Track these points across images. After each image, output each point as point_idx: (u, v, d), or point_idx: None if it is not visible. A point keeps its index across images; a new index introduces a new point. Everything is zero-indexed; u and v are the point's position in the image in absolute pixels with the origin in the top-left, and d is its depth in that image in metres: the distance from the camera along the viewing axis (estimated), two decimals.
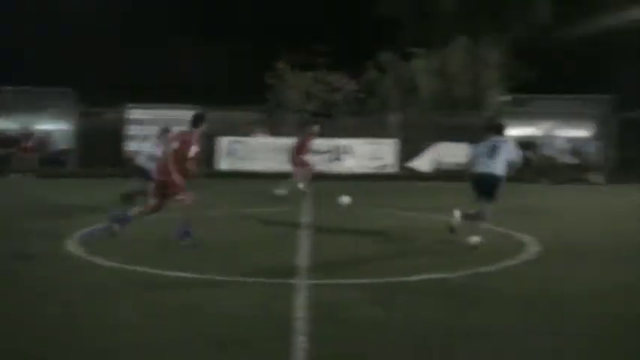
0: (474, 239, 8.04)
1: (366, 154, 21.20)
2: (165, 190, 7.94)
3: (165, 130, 10.78)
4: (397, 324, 4.78)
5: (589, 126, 22.24)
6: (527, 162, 20.36)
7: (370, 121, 22.13)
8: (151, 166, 9.74)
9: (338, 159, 21.04)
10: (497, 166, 8.19)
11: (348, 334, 4.50)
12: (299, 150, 14.19)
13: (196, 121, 8.13)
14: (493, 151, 8.30)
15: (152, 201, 8.19)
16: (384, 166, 20.99)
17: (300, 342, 4.19)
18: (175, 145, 7.95)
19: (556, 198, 15.55)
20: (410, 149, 21.30)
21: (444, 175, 20.16)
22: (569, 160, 21.65)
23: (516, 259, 7.31)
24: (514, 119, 21.65)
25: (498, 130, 8.62)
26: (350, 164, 21.14)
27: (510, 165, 8.33)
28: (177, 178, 7.79)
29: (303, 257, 7.14)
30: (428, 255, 7.70)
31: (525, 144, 20.91)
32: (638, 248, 8.39)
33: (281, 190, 13.66)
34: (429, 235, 9.03)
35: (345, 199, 11.99)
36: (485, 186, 8.25)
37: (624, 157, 21.38)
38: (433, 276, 6.31)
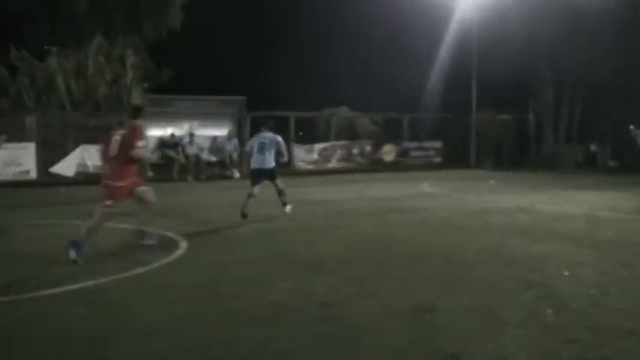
0: (288, 207, 11.15)
1: (2, 159, 19.31)
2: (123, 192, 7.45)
3: None
4: (42, 339, 4.59)
5: (226, 125, 23.65)
6: (170, 161, 21.04)
7: (4, 124, 20.23)
8: None
9: None
10: (268, 159, 10.92)
11: None
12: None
13: (137, 113, 7.80)
14: (262, 148, 10.91)
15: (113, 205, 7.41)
16: (26, 172, 19.43)
17: None
18: (122, 141, 7.36)
19: (201, 194, 16.25)
20: (51, 153, 20.10)
21: (89, 178, 19.48)
22: (210, 157, 22.76)
23: (169, 257, 7.52)
24: (155, 119, 21.99)
25: (268, 126, 11.31)
26: None
27: (279, 154, 11.22)
28: (123, 181, 7.38)
29: None
30: (78, 263, 7.38)
31: (169, 144, 21.48)
32: (273, 230, 9.35)
33: None
34: None
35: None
36: (264, 176, 10.96)
37: None
38: (83, 284, 6.14)
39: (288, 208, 11.19)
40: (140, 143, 7.43)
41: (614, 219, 10.89)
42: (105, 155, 7.78)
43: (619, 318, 5.01)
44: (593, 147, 25.23)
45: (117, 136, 7.48)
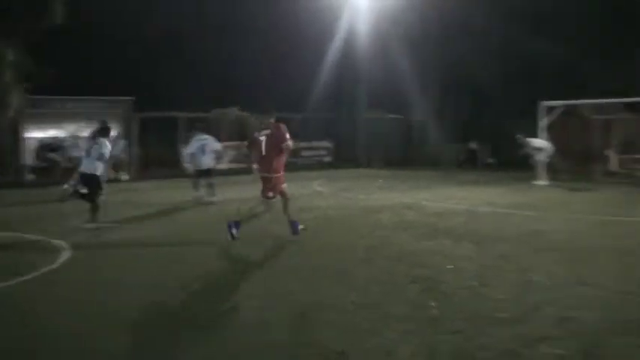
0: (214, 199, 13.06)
1: None
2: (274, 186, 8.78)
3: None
4: None
5: (114, 126, 22.85)
6: (53, 164, 20.13)
7: None
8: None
9: None
10: (207, 160, 13.09)
11: None
12: None
13: (272, 112, 9.03)
14: (203, 149, 13.01)
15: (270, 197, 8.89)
16: None
17: None
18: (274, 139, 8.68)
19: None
20: None
21: None
22: None
23: (52, 265, 7.23)
24: (36, 121, 21.01)
25: (200, 128, 13.78)
26: None
27: (217, 154, 13.49)
28: (280, 172, 8.97)
29: None
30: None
31: (52, 146, 20.55)
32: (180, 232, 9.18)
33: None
34: None
35: None
36: (204, 175, 13.22)
37: (145, 153, 22.74)
38: None
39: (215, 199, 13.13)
40: (288, 135, 8.76)
41: (493, 214, 11.49)
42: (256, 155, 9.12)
43: (496, 308, 5.32)
44: (473, 145, 26.46)
45: (263, 137, 8.80)
